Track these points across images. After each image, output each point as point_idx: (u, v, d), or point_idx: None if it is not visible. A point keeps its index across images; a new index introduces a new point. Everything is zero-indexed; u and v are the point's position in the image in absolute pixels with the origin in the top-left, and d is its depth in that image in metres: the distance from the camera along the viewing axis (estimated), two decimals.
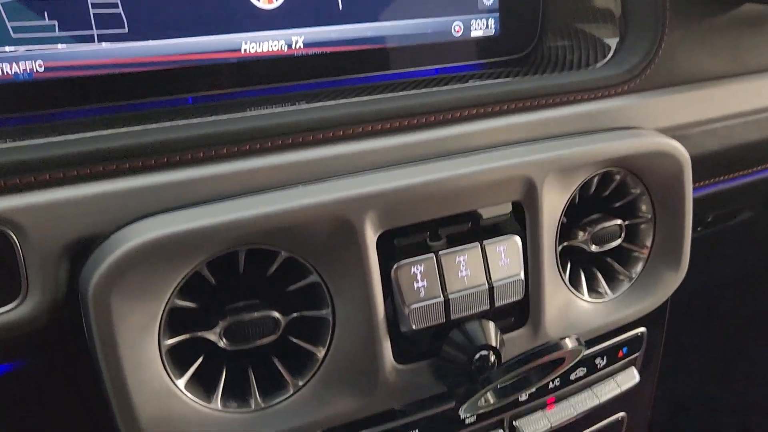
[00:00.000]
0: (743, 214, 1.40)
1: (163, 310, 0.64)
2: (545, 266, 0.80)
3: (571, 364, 0.73)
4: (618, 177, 0.87)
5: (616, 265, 0.92)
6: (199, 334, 0.67)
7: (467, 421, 0.83)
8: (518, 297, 0.78)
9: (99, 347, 0.61)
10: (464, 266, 0.75)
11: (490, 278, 0.76)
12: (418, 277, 0.73)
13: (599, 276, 0.91)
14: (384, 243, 0.71)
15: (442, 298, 0.73)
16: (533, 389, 0.76)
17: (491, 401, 0.74)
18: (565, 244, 0.86)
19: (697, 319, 1.51)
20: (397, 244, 0.72)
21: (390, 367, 0.73)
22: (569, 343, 0.67)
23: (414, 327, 0.72)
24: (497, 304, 0.76)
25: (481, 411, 0.74)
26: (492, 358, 0.76)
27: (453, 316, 0.74)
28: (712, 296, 1.54)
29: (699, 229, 1.34)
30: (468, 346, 0.74)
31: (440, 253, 0.74)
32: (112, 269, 0.60)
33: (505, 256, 0.77)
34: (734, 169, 1.12)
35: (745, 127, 1.05)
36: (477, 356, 0.73)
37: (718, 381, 1.53)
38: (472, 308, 0.75)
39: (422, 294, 0.73)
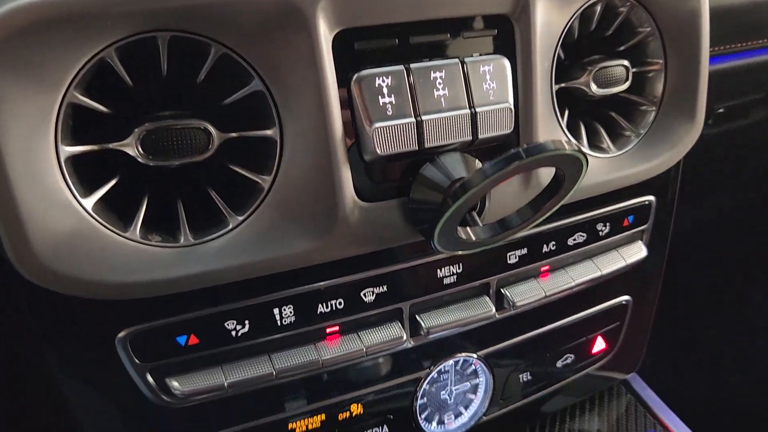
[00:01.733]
0: (757, 112, 1.28)
1: (60, 106, 0.52)
2: (538, 98, 0.67)
3: (570, 192, 0.60)
4: (624, 10, 0.74)
5: (622, 120, 0.80)
6: (111, 146, 0.54)
7: (446, 281, 0.70)
8: (507, 130, 0.65)
9: None
10: (441, 84, 0.62)
11: (473, 102, 0.63)
12: (384, 91, 0.59)
13: (602, 131, 0.78)
14: (342, 46, 0.58)
15: (413, 119, 0.60)
16: (527, 228, 0.63)
17: (473, 237, 0.61)
18: (563, 85, 0.74)
19: (695, 260, 1.39)
20: (358, 48, 0.59)
21: (350, 203, 0.60)
22: (566, 146, 0.54)
23: (379, 152, 0.59)
24: (481, 135, 0.63)
25: (461, 252, 0.62)
26: None
27: (427, 144, 0.61)
28: (712, 232, 1.42)
29: (710, 121, 1.22)
30: (444, 180, 0.61)
31: (412, 65, 0.61)
32: None
33: (491, 78, 0.64)
34: (753, 36, 0.99)
35: None
36: None
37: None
38: (451, 137, 0.62)
39: (389, 112, 0.60)
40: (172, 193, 0.59)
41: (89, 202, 0.54)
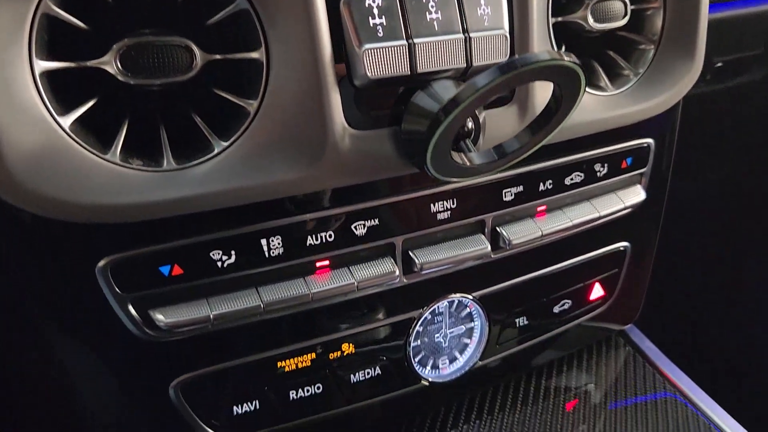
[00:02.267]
0: (754, 71, 1.26)
1: (34, 16, 0.49)
2: (534, 27, 0.65)
3: (570, 113, 0.58)
4: None
5: (620, 60, 0.77)
6: (89, 63, 0.52)
7: (440, 216, 0.68)
8: (502, 58, 0.62)
9: None
10: (434, 7, 0.59)
11: (467, 27, 0.60)
12: (375, 12, 0.57)
13: (599, 69, 0.76)
14: None
15: (404, 42, 0.58)
16: (524, 159, 0.61)
17: (467, 163, 0.59)
18: (560, 19, 0.72)
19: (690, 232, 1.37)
20: None
21: (340, 129, 0.58)
22: (564, 56, 0.52)
23: (369, 75, 0.57)
24: (475, 62, 0.61)
25: (457, 180, 0.59)
26: (469, 124, 0.62)
27: (419, 69, 0.58)
28: (711, 190, 1.39)
29: (708, 77, 1.20)
30: (436, 107, 0.59)
31: None
32: None
33: (485, 3, 0.62)
34: None
35: None
36: None
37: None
38: (444, 62, 0.59)
39: (380, 33, 0.57)
40: (154, 117, 0.56)
41: (66, 120, 0.52)
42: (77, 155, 0.52)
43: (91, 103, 0.53)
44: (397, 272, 0.67)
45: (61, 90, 0.53)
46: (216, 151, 0.57)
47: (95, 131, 0.54)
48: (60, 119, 0.51)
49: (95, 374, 0.63)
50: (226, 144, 0.57)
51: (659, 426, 0.86)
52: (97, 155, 0.53)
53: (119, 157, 0.54)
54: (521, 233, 0.73)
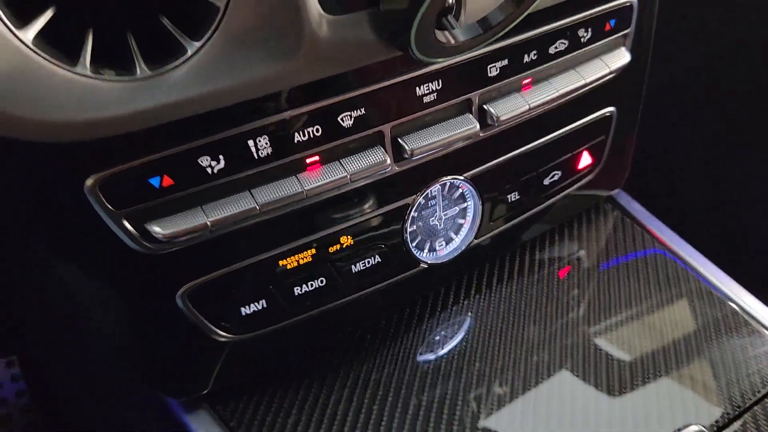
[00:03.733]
0: None
1: None
2: None
3: None
4: None
5: None
6: None
7: (426, 99, 0.66)
8: None
9: None
10: None
11: None
12: None
13: None
14: None
15: None
16: (513, 24, 0.59)
17: (452, 41, 0.57)
18: None
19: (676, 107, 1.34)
20: None
21: (317, 16, 0.55)
22: None
23: None
24: None
25: (443, 59, 0.58)
26: None
27: None
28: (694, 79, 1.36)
29: None
30: None
31: None
32: None
33: None
34: None
35: None
36: None
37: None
38: None
39: None
40: (120, 24, 0.53)
41: (28, 34, 0.48)
42: (46, 71, 0.49)
43: (49, 13, 0.50)
44: (388, 160, 0.66)
45: (15, 3, 0.49)
46: (189, 53, 0.54)
47: (59, 46, 0.51)
48: (20, 33, 0.48)
49: (102, 294, 0.63)
50: (198, 44, 0.54)
51: (650, 282, 0.90)
52: (66, 69, 0.50)
53: (90, 69, 0.51)
54: (509, 108, 0.71)
